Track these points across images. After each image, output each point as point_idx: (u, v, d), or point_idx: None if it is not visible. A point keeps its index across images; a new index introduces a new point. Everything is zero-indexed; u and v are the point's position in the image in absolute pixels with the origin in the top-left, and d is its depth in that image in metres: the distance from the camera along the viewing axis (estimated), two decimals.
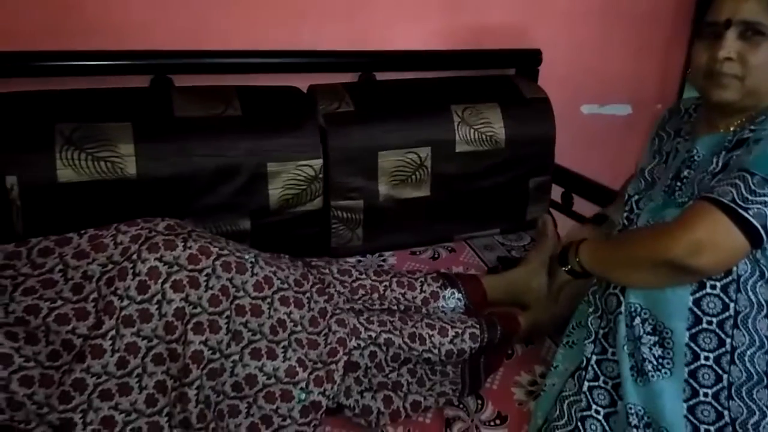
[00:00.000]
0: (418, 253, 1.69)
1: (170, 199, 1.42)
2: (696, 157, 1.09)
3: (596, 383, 1.10)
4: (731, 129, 1.06)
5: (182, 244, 1.07)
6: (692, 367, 1.01)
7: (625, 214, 1.19)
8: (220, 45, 1.61)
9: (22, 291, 1.01)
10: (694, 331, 1.02)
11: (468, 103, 1.71)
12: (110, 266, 1.03)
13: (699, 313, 1.02)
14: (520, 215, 1.85)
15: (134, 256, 1.03)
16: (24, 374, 0.96)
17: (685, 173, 1.09)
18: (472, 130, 1.69)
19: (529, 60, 1.94)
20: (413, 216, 1.69)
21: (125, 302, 1.01)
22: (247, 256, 1.13)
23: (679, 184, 1.09)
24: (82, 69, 1.49)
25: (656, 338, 1.05)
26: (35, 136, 1.32)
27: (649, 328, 1.05)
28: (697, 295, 1.02)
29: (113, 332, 0.99)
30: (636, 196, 1.19)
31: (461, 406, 1.20)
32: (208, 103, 1.48)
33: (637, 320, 1.06)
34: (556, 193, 1.91)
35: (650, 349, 1.04)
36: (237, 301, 1.08)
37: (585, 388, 1.09)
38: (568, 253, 1.21)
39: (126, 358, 1.00)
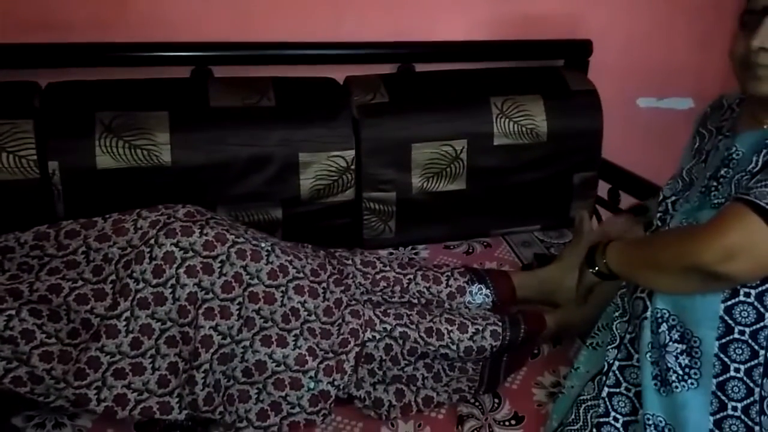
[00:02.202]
0: (452, 247, 1.66)
1: (204, 186, 1.46)
2: (735, 155, 1.01)
3: (617, 389, 1.04)
4: None
5: (199, 230, 1.09)
6: (721, 378, 0.95)
7: (659, 215, 1.12)
8: (261, 37, 1.63)
9: (48, 271, 1.07)
10: (724, 340, 0.95)
11: (508, 95, 1.66)
12: (129, 250, 1.07)
13: (730, 321, 0.95)
14: (563, 211, 1.78)
15: (152, 241, 1.07)
16: (44, 350, 1.01)
17: (723, 172, 1.01)
18: (511, 123, 1.64)
19: (578, 51, 1.86)
20: (448, 210, 1.66)
21: (141, 285, 1.04)
22: (263, 245, 1.14)
23: (715, 183, 1.02)
24: (127, 60, 1.55)
25: (683, 347, 0.98)
26: (77, 124, 1.39)
27: (676, 336, 0.99)
28: (730, 302, 0.95)
29: (128, 313, 1.03)
30: (672, 197, 1.12)
31: (477, 403, 1.17)
32: (243, 94, 1.51)
33: (664, 327, 1.00)
34: (603, 189, 1.83)
35: (676, 357, 0.98)
36: (250, 288, 1.09)
37: (604, 394, 1.04)
38: (595, 254, 1.15)
39: (140, 339, 1.03)
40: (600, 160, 1.77)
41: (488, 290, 1.37)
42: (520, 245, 1.69)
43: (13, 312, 1.01)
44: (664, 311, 1.00)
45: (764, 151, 0.95)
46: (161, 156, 1.41)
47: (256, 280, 1.10)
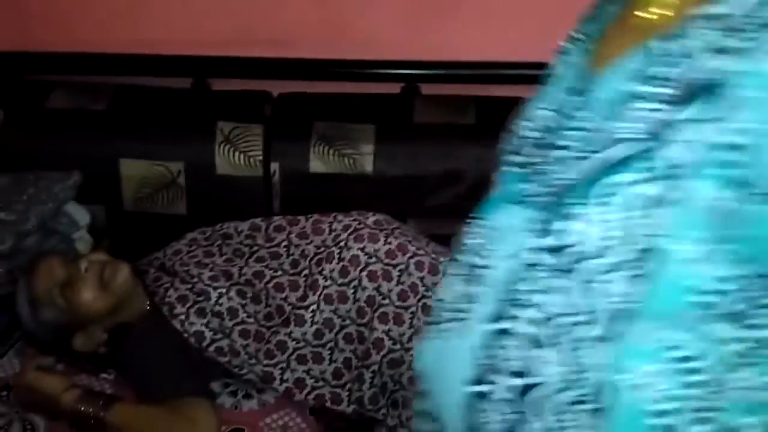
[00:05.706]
0: None
1: (399, 197, 1.53)
2: None
3: None
4: None
5: (384, 238, 1.16)
6: None
7: None
8: (467, 56, 1.67)
9: (255, 258, 1.22)
10: None
11: None
12: (322, 249, 1.18)
13: None
14: None
15: (342, 243, 1.16)
16: (244, 327, 1.15)
17: None
18: None
19: None
20: None
21: (328, 282, 1.14)
22: (443, 259, 1.18)
23: None
24: (346, 75, 1.69)
25: None
26: (297, 131, 1.56)
27: None
28: None
29: (314, 306, 1.13)
30: None
31: None
32: (445, 111, 1.57)
33: None
34: None
35: None
36: (424, 300, 1.14)
37: None
38: None
39: (322, 331, 1.13)
40: None
41: None
42: None
43: (224, 290, 1.17)
44: None
45: None
46: (365, 165, 1.52)
47: (430, 293, 1.14)
